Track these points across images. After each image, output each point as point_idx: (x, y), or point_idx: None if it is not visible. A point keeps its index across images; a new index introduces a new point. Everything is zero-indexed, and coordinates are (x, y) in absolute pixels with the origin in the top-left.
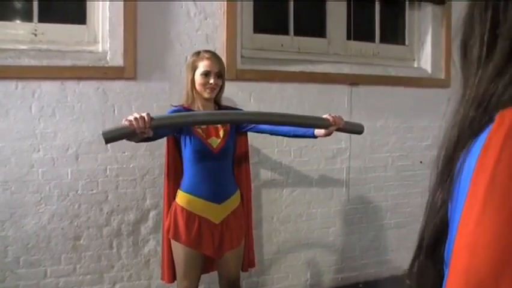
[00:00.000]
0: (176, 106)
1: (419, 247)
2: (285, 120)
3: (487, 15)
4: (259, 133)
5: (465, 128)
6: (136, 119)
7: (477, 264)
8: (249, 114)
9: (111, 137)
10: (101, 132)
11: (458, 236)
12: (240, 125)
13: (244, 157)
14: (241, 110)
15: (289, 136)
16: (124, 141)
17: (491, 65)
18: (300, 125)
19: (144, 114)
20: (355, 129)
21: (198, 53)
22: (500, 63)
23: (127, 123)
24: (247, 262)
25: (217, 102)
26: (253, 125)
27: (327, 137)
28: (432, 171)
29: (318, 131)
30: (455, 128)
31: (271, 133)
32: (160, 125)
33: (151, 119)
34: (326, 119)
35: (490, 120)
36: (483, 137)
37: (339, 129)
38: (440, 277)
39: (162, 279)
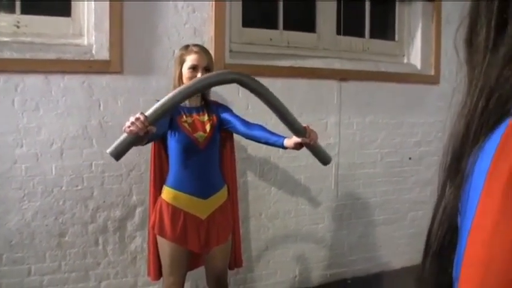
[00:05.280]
0: None
1: (426, 253)
2: (269, 97)
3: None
4: (234, 133)
5: (475, 119)
6: (132, 123)
7: (491, 281)
8: (233, 74)
9: (119, 151)
10: (108, 152)
11: (468, 247)
12: (223, 122)
13: (230, 152)
14: (226, 106)
15: (259, 142)
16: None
17: (502, 50)
18: (279, 113)
19: (138, 115)
20: (323, 155)
21: (186, 47)
22: None
23: (127, 130)
24: (234, 261)
25: (204, 97)
26: (231, 124)
27: (313, 136)
28: (440, 166)
29: (288, 142)
30: (462, 121)
31: (244, 136)
32: (156, 117)
33: (145, 116)
34: (303, 127)
35: (506, 112)
36: (498, 133)
37: (308, 146)
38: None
39: (148, 275)
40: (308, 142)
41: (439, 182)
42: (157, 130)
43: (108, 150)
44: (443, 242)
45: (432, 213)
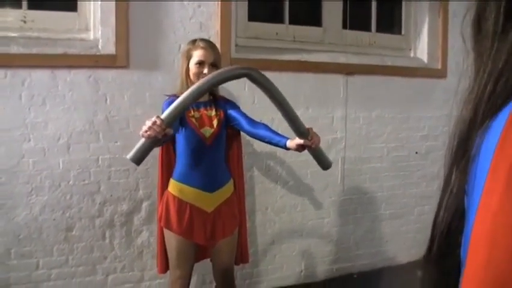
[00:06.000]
0: (170, 96)
1: (433, 237)
2: (276, 95)
3: None
4: (240, 130)
5: (482, 104)
6: (150, 127)
7: (497, 257)
8: (244, 69)
9: (139, 156)
10: (128, 158)
11: (476, 225)
12: (229, 119)
13: (237, 147)
14: (234, 102)
15: (263, 141)
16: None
17: (510, 36)
18: (284, 111)
19: (154, 118)
20: (323, 160)
21: (193, 41)
22: None
23: (145, 135)
24: (241, 257)
25: (212, 92)
26: (237, 122)
27: (318, 130)
28: (446, 152)
29: (291, 143)
30: (469, 106)
31: (249, 134)
32: (172, 119)
33: (162, 119)
34: (306, 129)
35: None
36: (504, 114)
37: (310, 149)
38: (458, 269)
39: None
40: (310, 145)
41: (446, 167)
42: (174, 131)
43: (128, 156)
44: (450, 225)
45: (439, 198)
